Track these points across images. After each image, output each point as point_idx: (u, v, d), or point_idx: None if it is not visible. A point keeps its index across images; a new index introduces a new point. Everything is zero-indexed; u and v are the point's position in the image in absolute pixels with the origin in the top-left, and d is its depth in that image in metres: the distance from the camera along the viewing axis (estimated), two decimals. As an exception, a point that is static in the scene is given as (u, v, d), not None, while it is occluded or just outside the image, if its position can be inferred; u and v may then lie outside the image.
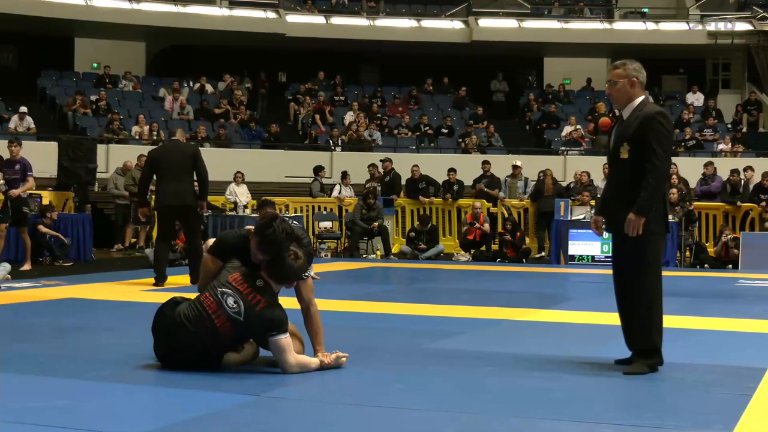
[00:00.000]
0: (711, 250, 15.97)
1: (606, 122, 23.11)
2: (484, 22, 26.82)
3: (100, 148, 18.81)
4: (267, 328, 5.09)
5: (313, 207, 18.35)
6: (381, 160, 19.01)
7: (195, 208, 10.86)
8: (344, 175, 18.80)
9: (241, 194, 17.61)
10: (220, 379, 4.99)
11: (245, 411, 4.40)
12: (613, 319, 5.83)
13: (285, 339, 5.11)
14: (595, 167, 17.93)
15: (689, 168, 18.28)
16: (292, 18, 26.31)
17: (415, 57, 26.88)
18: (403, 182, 18.66)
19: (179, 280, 10.96)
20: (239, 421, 4.23)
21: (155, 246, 11.62)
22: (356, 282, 12.02)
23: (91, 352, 6.07)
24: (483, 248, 16.40)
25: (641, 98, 5.57)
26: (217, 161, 19.40)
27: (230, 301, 5.06)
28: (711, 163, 18.14)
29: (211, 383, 4.90)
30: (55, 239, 13.89)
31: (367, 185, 18.22)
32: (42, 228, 13.72)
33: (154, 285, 10.49)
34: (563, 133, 23.80)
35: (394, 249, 17.07)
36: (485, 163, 18.57)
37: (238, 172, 18.01)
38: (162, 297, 9.29)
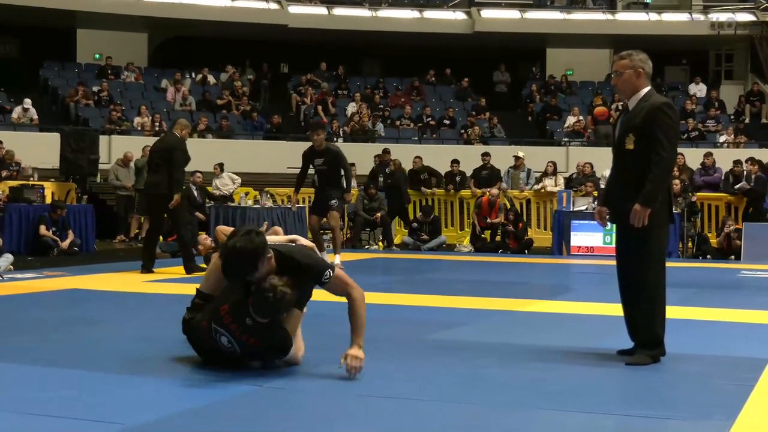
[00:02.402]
0: (713, 241, 15.98)
1: (602, 111, 23.09)
2: (487, 13, 26.77)
3: (102, 140, 18.81)
4: (274, 355, 5.03)
5: (316, 198, 18.33)
6: (383, 151, 19.01)
7: (167, 198, 10.80)
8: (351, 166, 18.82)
9: (224, 185, 17.62)
10: (223, 370, 4.98)
11: (247, 402, 4.40)
12: (616, 310, 5.83)
13: (293, 348, 5.05)
14: (598, 158, 17.92)
15: (691, 159, 18.27)
16: (294, 9, 26.27)
17: (417, 48, 26.84)
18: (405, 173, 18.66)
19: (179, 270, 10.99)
20: (241, 411, 4.24)
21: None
22: (358, 273, 11.96)
23: (94, 342, 6.08)
24: (488, 239, 16.43)
25: (647, 89, 5.55)
26: (219, 152, 19.45)
27: (224, 340, 4.94)
28: (710, 154, 18.17)
29: (214, 374, 4.90)
30: (55, 242, 13.79)
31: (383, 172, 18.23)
32: (43, 230, 13.69)
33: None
34: (566, 124, 23.79)
35: (397, 240, 17.08)
36: (485, 154, 18.54)
37: (216, 163, 17.88)
38: (163, 288, 9.33)
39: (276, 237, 5.41)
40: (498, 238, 16.41)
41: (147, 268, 10.87)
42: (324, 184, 11.85)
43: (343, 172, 11.89)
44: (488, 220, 16.46)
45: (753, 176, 16.65)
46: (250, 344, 4.91)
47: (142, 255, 11.17)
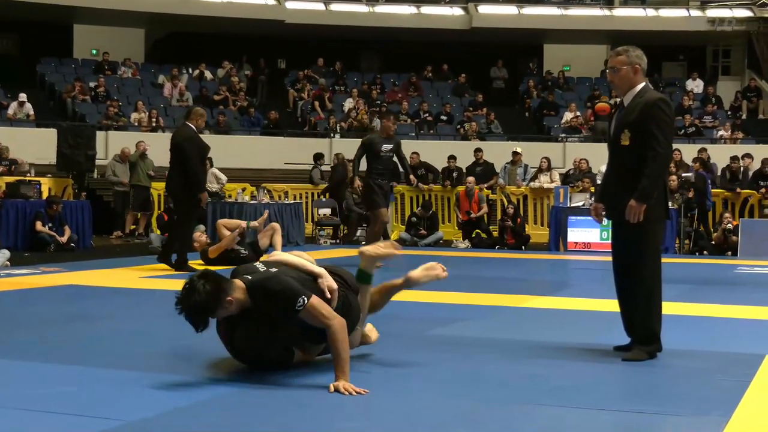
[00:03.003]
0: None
1: (603, 107, 23.07)
2: (484, 9, 26.78)
3: (99, 135, 18.80)
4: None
5: (313, 194, 18.38)
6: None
7: (178, 195, 10.69)
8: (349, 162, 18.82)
9: (210, 182, 17.57)
10: (224, 366, 4.99)
11: (248, 398, 4.41)
12: (613, 305, 5.84)
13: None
14: (595, 154, 17.93)
15: (688, 155, 18.29)
16: (292, 4, 26.26)
17: (414, 44, 26.85)
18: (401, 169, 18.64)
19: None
20: (241, 407, 4.24)
21: None
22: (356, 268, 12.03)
23: (93, 338, 6.08)
24: (483, 234, 16.41)
25: (642, 85, 5.56)
26: (217, 148, 19.41)
27: (226, 347, 4.97)
28: (704, 150, 18.17)
29: (214, 370, 4.91)
30: (52, 237, 13.77)
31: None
32: (39, 226, 13.69)
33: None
34: (563, 120, 23.80)
35: (394, 236, 17.06)
36: (477, 150, 18.54)
37: None
38: (161, 284, 9.32)
39: (317, 269, 5.02)
40: (495, 232, 16.42)
41: (161, 258, 10.77)
42: (388, 174, 12.23)
43: (400, 161, 12.33)
44: (472, 215, 16.48)
45: (696, 173, 16.47)
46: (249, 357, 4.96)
47: (164, 246, 11.15)
